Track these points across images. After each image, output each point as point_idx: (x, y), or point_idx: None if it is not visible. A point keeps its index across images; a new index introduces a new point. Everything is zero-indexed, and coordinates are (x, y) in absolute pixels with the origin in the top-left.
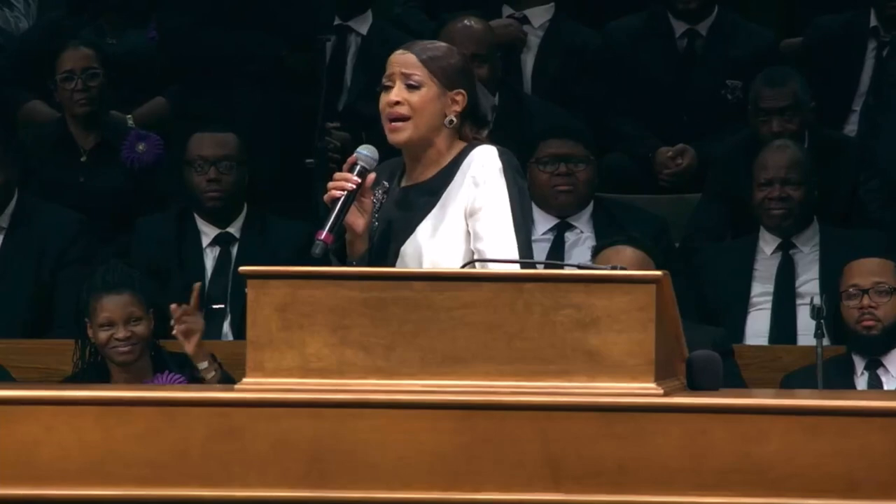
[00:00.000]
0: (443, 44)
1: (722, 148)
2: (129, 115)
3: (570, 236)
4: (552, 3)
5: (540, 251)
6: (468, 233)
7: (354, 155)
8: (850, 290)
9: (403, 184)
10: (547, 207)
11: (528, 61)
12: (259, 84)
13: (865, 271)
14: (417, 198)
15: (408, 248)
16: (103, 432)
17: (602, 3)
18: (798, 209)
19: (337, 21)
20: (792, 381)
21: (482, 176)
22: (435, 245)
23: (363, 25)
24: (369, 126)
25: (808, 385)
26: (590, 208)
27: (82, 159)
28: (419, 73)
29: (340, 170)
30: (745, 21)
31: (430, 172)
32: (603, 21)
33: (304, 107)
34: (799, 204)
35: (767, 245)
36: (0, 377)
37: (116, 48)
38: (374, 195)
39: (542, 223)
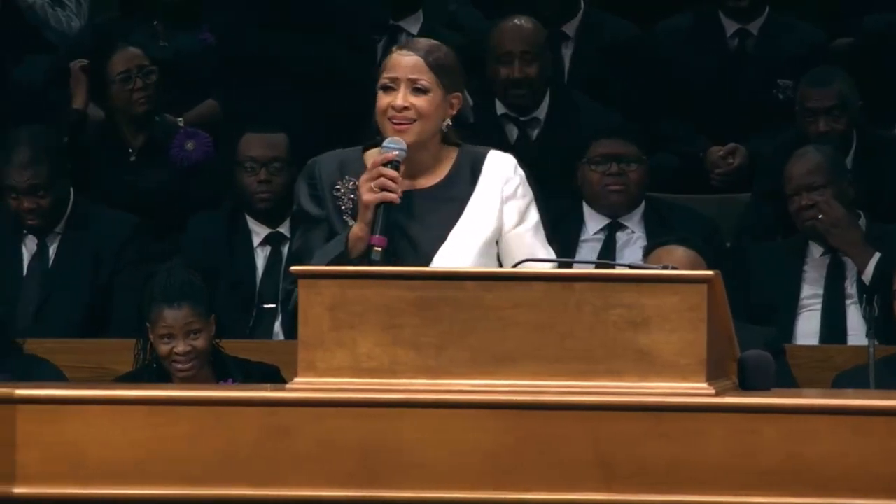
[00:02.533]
0: (440, 43)
1: (767, 148)
2: (180, 118)
3: (621, 236)
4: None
5: (591, 251)
6: (495, 240)
7: (391, 152)
8: None
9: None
10: (598, 207)
11: (566, 57)
12: (310, 85)
13: None
14: (432, 204)
15: (441, 254)
16: (152, 432)
17: (649, 1)
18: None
19: (388, 21)
20: (843, 381)
21: (515, 188)
22: (470, 252)
23: (414, 26)
24: None
25: (859, 385)
26: (641, 208)
27: (131, 159)
28: (426, 79)
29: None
30: (796, 20)
31: (434, 177)
32: (649, 19)
33: (355, 107)
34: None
35: (816, 246)
36: (52, 376)
37: (167, 51)
38: (344, 191)
39: (594, 223)
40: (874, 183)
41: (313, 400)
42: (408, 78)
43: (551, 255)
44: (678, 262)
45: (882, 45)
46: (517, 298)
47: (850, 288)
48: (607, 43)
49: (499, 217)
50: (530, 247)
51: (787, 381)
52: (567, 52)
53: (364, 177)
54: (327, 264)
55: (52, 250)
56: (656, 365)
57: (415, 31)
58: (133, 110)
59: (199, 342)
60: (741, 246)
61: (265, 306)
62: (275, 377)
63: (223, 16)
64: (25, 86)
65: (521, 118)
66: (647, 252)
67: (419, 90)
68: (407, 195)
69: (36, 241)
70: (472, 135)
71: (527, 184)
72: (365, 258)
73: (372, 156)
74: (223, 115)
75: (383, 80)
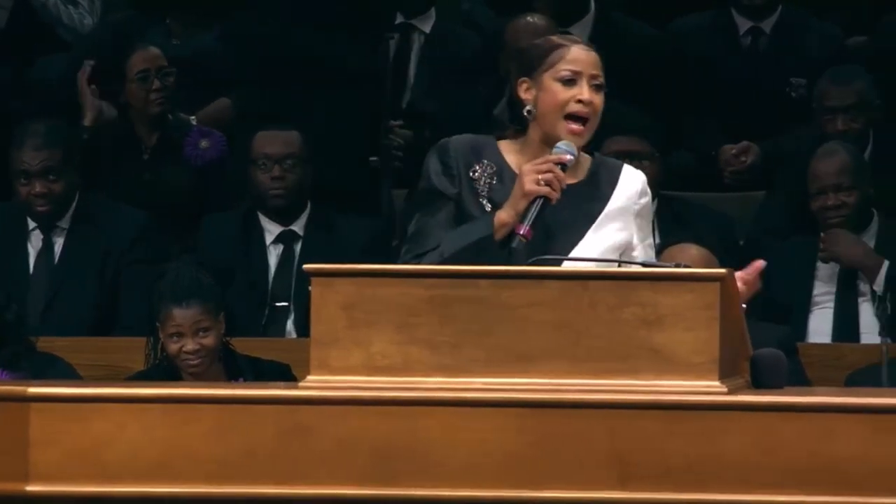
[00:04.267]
0: None
1: (788, 146)
2: (193, 116)
3: None
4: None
5: None
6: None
7: (565, 155)
8: None
9: None
10: None
11: None
12: (324, 83)
13: None
14: (573, 200)
15: (577, 251)
16: (172, 430)
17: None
18: (855, 212)
19: (400, 19)
20: (856, 379)
21: (646, 205)
22: (602, 254)
23: (427, 24)
24: (432, 124)
25: (872, 383)
26: (654, 206)
27: (145, 157)
28: (602, 77)
29: (405, 168)
30: (811, 18)
31: (575, 176)
32: (663, 18)
33: (368, 105)
34: (855, 207)
35: None
36: (68, 375)
37: (181, 49)
38: (482, 173)
39: None
40: (890, 182)
41: (332, 398)
42: (590, 73)
43: None
44: (691, 261)
45: None
46: (532, 297)
47: (863, 286)
48: (622, 42)
49: (629, 227)
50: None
51: (799, 379)
52: None
53: (530, 166)
54: (468, 245)
55: (57, 247)
56: (670, 363)
57: (427, 29)
58: (150, 110)
59: (209, 340)
60: (755, 244)
61: (277, 304)
62: (286, 375)
63: (236, 14)
64: (41, 84)
65: None
66: (660, 250)
67: (598, 87)
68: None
69: (41, 238)
70: (489, 132)
71: (651, 205)
72: (505, 245)
73: (507, 147)
74: (236, 114)
75: (564, 73)
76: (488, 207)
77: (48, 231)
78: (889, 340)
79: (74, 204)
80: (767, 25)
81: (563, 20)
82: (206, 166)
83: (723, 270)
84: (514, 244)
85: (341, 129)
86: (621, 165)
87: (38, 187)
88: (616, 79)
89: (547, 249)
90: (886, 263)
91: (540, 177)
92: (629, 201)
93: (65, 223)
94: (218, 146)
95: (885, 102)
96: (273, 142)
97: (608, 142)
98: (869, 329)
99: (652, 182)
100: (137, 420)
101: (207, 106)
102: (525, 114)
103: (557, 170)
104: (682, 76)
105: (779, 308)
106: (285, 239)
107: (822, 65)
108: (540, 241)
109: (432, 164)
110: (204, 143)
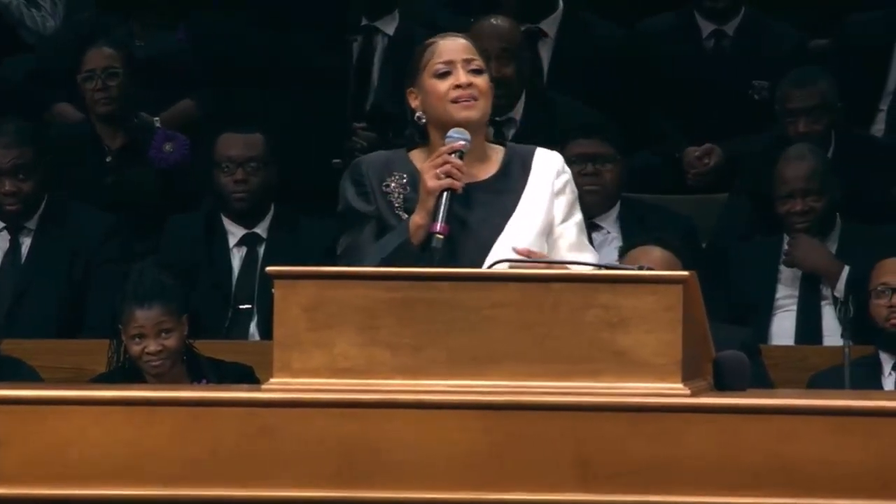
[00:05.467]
0: None
1: (751, 148)
2: (157, 117)
3: (597, 237)
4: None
5: None
6: (546, 232)
7: (457, 142)
8: (879, 287)
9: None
10: None
11: (545, 57)
12: (288, 85)
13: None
14: (488, 195)
15: (500, 243)
16: (134, 432)
17: (627, 1)
18: (821, 217)
19: (364, 21)
20: (819, 381)
21: (565, 184)
22: (526, 241)
23: (390, 26)
24: (396, 126)
25: (834, 385)
26: (617, 208)
27: (108, 159)
28: (478, 60)
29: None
30: (773, 21)
31: (486, 171)
32: (629, 20)
33: (332, 107)
34: (822, 212)
35: None
36: (28, 377)
37: (145, 50)
38: (395, 186)
39: None
40: (851, 184)
41: (294, 400)
42: (463, 59)
43: (593, 252)
44: (654, 263)
45: (858, 44)
46: (495, 299)
47: (826, 289)
48: (589, 43)
49: (549, 209)
50: (577, 243)
51: (762, 381)
52: (546, 52)
53: (428, 164)
54: (389, 255)
55: (24, 248)
56: (633, 365)
57: (391, 31)
58: (96, 110)
59: (171, 342)
60: (718, 246)
61: (240, 307)
62: (249, 377)
63: (200, 16)
64: (5, 85)
65: (497, 118)
66: (624, 252)
67: (476, 71)
68: (465, 188)
69: (9, 239)
70: None
71: (573, 182)
72: (425, 247)
73: (418, 156)
74: (200, 115)
75: (437, 67)
76: (405, 217)
77: (16, 231)
78: (851, 343)
79: (43, 205)
80: (730, 28)
81: (531, 17)
82: (169, 169)
83: (685, 273)
84: (433, 244)
85: (305, 130)
86: (534, 150)
87: (7, 185)
88: (580, 79)
89: (468, 246)
90: (847, 269)
91: (437, 171)
92: (546, 183)
93: (32, 224)
94: (181, 149)
95: (846, 104)
96: (236, 144)
97: (571, 144)
98: (832, 332)
99: (615, 184)
100: (99, 423)
101: (171, 107)
102: (416, 120)
103: (452, 159)
104: (645, 78)
105: (742, 310)
106: (249, 241)
107: (784, 67)
108: (463, 240)
109: (346, 186)
110: (168, 147)
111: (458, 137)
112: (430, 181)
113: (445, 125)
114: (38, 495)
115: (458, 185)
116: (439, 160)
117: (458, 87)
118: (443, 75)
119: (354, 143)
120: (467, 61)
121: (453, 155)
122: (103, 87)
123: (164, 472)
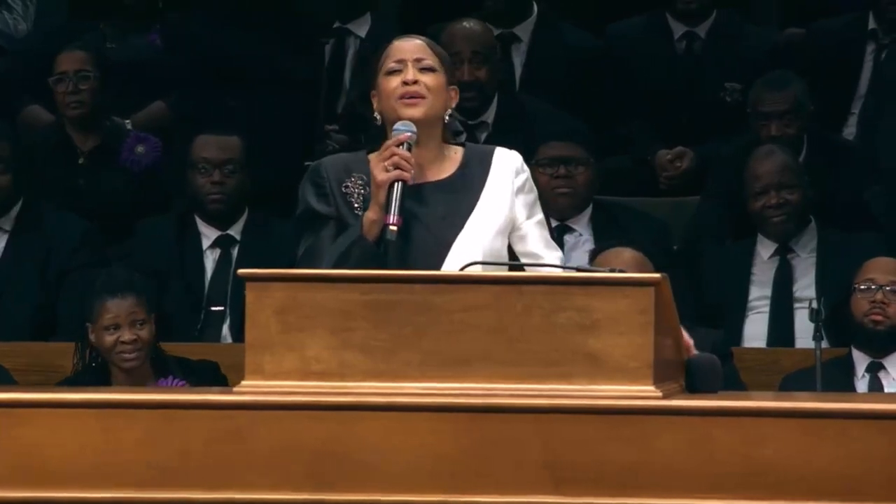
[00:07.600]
0: None
1: (723, 150)
2: (128, 120)
3: (569, 239)
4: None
5: None
6: (507, 230)
7: (403, 134)
8: (863, 285)
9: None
10: (546, 210)
11: (518, 62)
12: (259, 87)
13: (883, 268)
14: (447, 195)
15: (460, 241)
16: (105, 435)
17: (600, 4)
18: (796, 212)
19: (336, 24)
20: (790, 383)
21: (524, 182)
22: (486, 238)
23: (362, 28)
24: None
25: (806, 387)
26: (589, 211)
27: (80, 161)
28: (430, 59)
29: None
30: (745, 23)
31: (444, 171)
32: (601, 23)
33: (304, 110)
34: (797, 207)
35: (765, 249)
36: (2, 379)
37: (117, 53)
38: (353, 187)
39: None
40: (824, 187)
41: (266, 403)
42: (414, 58)
43: (557, 250)
44: (626, 265)
45: (830, 48)
46: (467, 301)
47: (798, 291)
48: (562, 46)
49: (511, 208)
50: (540, 240)
51: (735, 383)
52: (518, 56)
53: (376, 158)
54: (343, 252)
55: None
56: (605, 368)
57: (363, 33)
58: (67, 113)
59: (144, 333)
60: (690, 248)
61: (213, 309)
62: (215, 373)
63: (173, 18)
64: None
65: (470, 122)
66: (595, 254)
67: (426, 69)
68: (422, 188)
69: None
70: None
71: (532, 181)
72: (381, 241)
73: (375, 157)
74: (172, 118)
75: (389, 66)
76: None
77: None
78: (824, 343)
79: (17, 208)
80: (702, 30)
81: (505, 23)
82: (142, 172)
83: (657, 275)
84: (387, 236)
85: (277, 133)
86: (493, 150)
87: None
88: (553, 82)
89: (428, 245)
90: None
91: (385, 163)
92: (506, 182)
93: (7, 225)
94: (154, 151)
95: (818, 107)
96: (213, 146)
97: (543, 147)
98: (804, 334)
99: (587, 187)
100: (69, 425)
101: (143, 109)
102: (374, 120)
103: (400, 150)
104: (617, 81)
105: (714, 312)
106: (222, 243)
107: (756, 69)
108: (423, 239)
109: (306, 189)
110: (140, 149)
111: (403, 130)
112: (379, 174)
113: (395, 123)
114: (8, 498)
115: (408, 175)
116: (387, 153)
117: (404, 83)
118: (392, 73)
119: (326, 146)
120: (418, 60)
121: (401, 147)
122: (75, 90)
123: (135, 474)
